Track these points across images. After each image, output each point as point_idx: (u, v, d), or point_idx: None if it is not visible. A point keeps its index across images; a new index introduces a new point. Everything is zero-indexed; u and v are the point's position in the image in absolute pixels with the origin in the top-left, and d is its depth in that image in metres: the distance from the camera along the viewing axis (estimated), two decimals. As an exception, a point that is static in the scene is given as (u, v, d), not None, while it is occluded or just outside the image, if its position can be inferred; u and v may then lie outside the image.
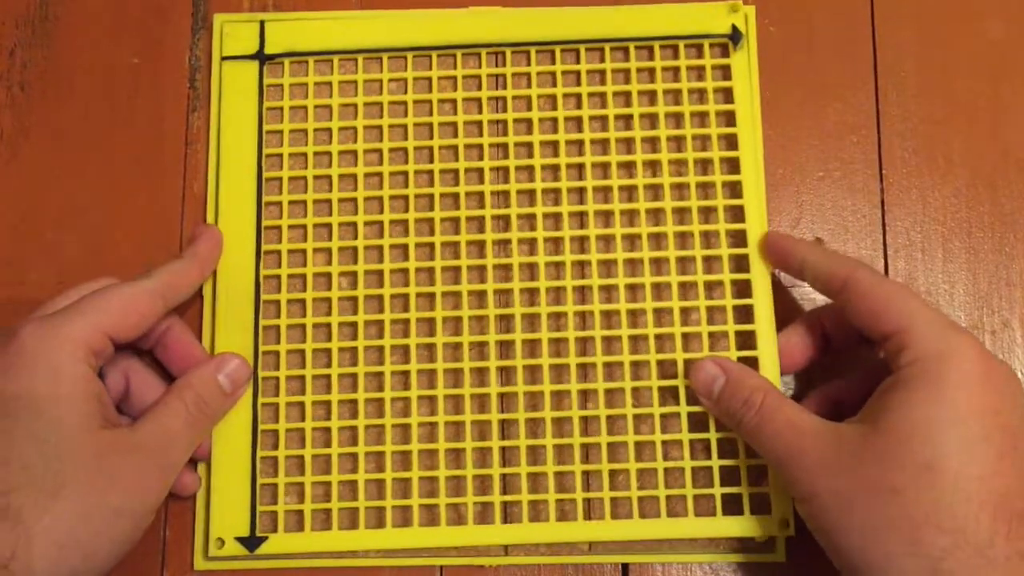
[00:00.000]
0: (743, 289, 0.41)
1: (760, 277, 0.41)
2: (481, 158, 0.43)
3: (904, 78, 0.44)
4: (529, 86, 0.43)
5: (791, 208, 0.43)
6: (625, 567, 0.39)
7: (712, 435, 0.40)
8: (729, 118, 0.43)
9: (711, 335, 0.41)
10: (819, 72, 0.44)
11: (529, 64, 0.44)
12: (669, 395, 0.40)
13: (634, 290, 0.41)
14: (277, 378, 0.41)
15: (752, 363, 0.40)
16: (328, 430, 0.40)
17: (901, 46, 0.44)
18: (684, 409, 0.40)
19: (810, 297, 0.42)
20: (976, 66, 0.44)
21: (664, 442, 0.40)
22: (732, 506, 0.39)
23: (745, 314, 0.41)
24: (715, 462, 0.39)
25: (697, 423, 0.40)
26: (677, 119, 0.43)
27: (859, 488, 0.33)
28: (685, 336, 0.41)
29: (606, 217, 0.42)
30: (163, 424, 0.36)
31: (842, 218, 0.43)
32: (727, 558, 0.39)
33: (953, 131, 0.43)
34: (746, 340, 0.40)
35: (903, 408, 0.33)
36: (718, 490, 0.39)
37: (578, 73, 0.44)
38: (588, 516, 0.39)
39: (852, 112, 0.44)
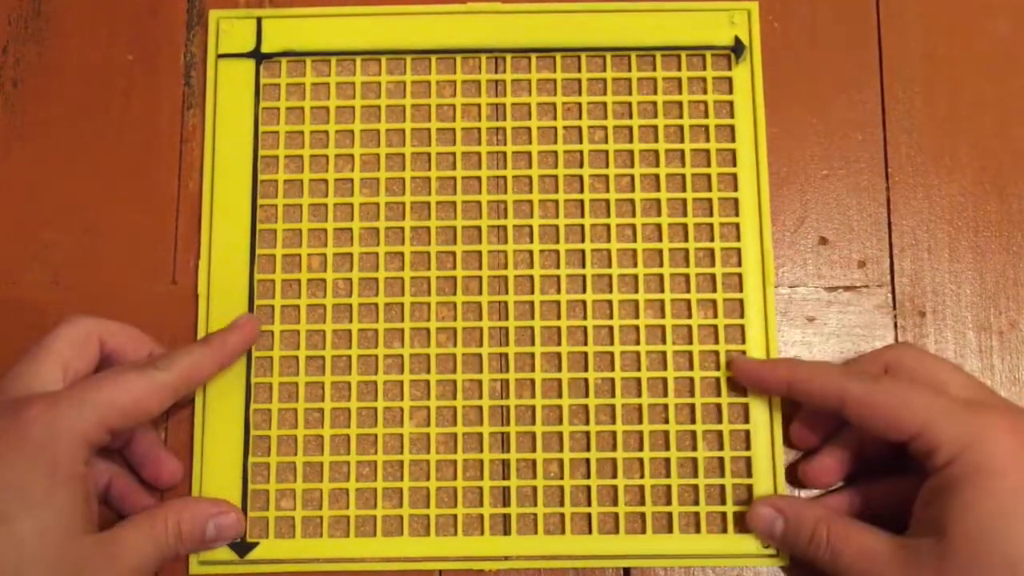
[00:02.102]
0: (736, 309, 0.41)
1: (753, 297, 0.41)
2: (479, 167, 0.43)
3: (910, 75, 0.43)
4: (529, 93, 0.43)
5: (795, 207, 0.43)
6: (627, 571, 0.40)
7: (700, 454, 0.40)
8: (729, 133, 0.42)
9: (702, 353, 0.41)
10: (824, 69, 0.44)
11: (529, 71, 0.43)
12: (658, 413, 0.41)
13: (628, 306, 0.41)
14: (270, 384, 0.41)
15: (740, 386, 0.40)
16: (320, 437, 0.41)
17: (907, 43, 0.44)
18: (673, 428, 0.40)
19: (808, 313, 0.42)
20: (983, 63, 0.44)
21: (652, 459, 0.40)
22: (716, 524, 0.40)
23: (738, 334, 0.41)
24: (701, 480, 0.40)
25: (684, 441, 0.40)
26: (678, 132, 0.43)
27: None
28: (676, 354, 0.41)
29: (603, 231, 0.42)
30: (138, 544, 0.35)
31: (847, 217, 0.43)
32: (730, 562, 0.40)
33: (960, 129, 0.43)
34: (737, 360, 0.41)
35: (964, 513, 0.32)
36: (703, 508, 0.40)
37: (579, 81, 0.43)
38: (576, 530, 0.40)
39: (857, 109, 0.43)
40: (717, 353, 0.41)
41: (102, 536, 0.35)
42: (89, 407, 0.34)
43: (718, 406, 0.40)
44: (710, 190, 0.42)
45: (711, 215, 0.42)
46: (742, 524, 0.39)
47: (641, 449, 0.40)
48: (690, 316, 0.41)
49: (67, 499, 0.33)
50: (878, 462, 0.39)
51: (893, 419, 0.35)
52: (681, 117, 0.43)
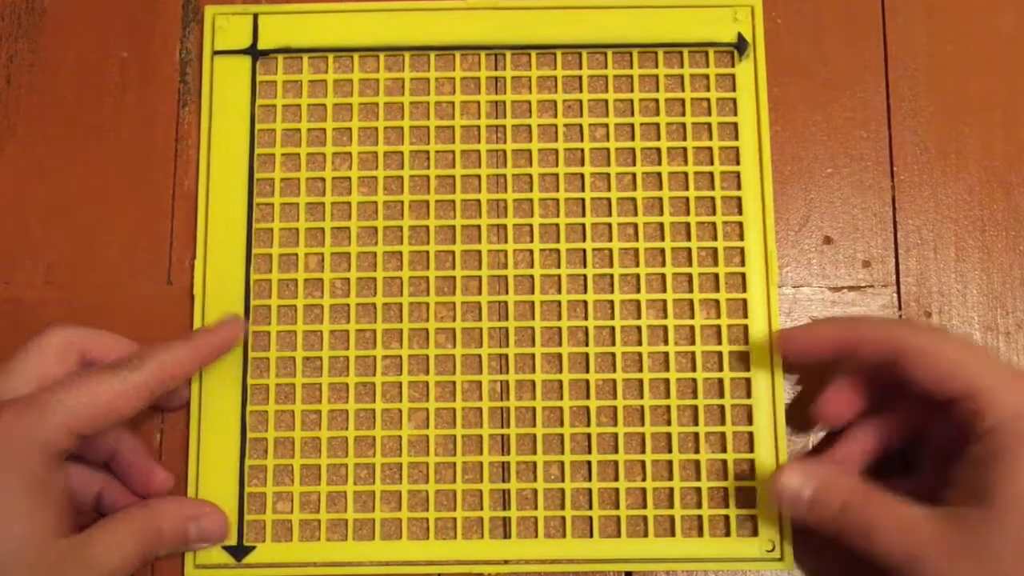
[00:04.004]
0: (739, 309, 0.41)
1: (756, 297, 0.40)
2: (478, 165, 0.42)
3: (916, 72, 0.43)
4: (529, 90, 0.43)
5: (799, 206, 0.42)
6: (628, 575, 0.39)
7: (703, 456, 0.40)
8: (732, 130, 0.42)
9: (705, 354, 0.40)
10: (828, 65, 0.43)
11: (529, 67, 0.43)
12: (660, 415, 0.40)
13: (630, 306, 0.41)
14: (266, 386, 0.40)
15: (745, 384, 0.40)
16: (317, 439, 0.40)
17: (912, 39, 0.43)
18: (675, 430, 0.40)
19: (812, 314, 0.41)
20: (989, 60, 0.43)
21: (654, 461, 0.40)
22: (719, 528, 0.39)
23: (741, 335, 0.40)
24: (704, 483, 0.39)
25: (686, 443, 0.40)
26: (680, 129, 0.42)
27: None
28: (678, 355, 0.40)
29: (604, 230, 0.41)
30: (115, 545, 0.35)
31: (852, 216, 0.42)
32: (733, 566, 0.39)
33: (966, 126, 0.43)
34: (740, 361, 0.40)
35: (1012, 482, 0.32)
36: (706, 511, 0.39)
37: (579, 78, 0.43)
38: (576, 533, 0.39)
39: (862, 107, 0.43)
40: (720, 354, 0.40)
41: (76, 539, 0.34)
42: (54, 412, 0.33)
43: (721, 408, 0.40)
44: (713, 188, 0.41)
45: (714, 214, 0.41)
46: (745, 527, 0.39)
47: (643, 451, 0.40)
48: (692, 316, 0.41)
49: (34, 505, 0.32)
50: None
51: (948, 375, 0.34)
52: (683, 115, 0.42)
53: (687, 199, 0.42)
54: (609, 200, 0.42)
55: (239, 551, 0.39)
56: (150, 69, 0.43)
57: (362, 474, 0.40)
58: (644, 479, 0.40)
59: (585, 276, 0.41)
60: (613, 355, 0.40)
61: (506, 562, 0.39)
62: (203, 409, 0.40)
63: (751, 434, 0.40)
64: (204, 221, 0.41)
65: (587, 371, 0.40)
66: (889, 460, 0.37)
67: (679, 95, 0.42)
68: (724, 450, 0.40)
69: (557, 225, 0.41)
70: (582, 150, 0.42)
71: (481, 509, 0.39)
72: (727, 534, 0.39)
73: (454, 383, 0.40)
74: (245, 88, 0.42)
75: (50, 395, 0.33)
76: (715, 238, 0.41)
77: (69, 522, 0.34)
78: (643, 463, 0.40)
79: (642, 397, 0.40)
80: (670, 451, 0.40)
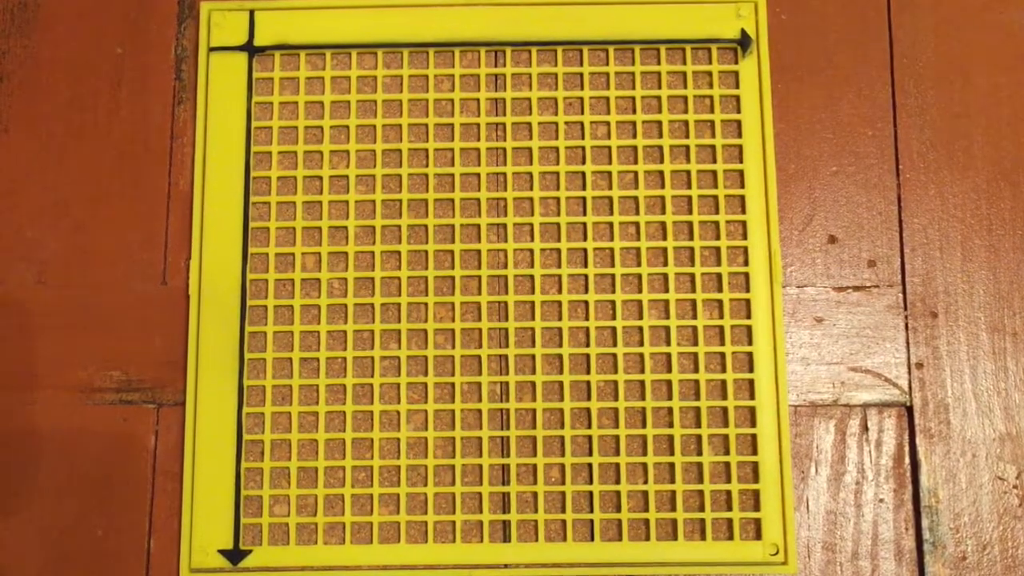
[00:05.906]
0: (743, 309, 0.40)
1: (760, 297, 0.40)
2: (478, 163, 0.41)
3: (922, 69, 0.42)
4: (529, 88, 0.42)
5: (804, 205, 0.42)
6: None
7: (705, 459, 0.39)
8: (736, 128, 0.41)
9: (708, 355, 0.40)
10: (833, 62, 0.43)
11: (530, 64, 0.42)
12: (662, 416, 0.40)
13: (631, 307, 0.40)
14: (263, 387, 0.40)
15: (748, 386, 0.39)
16: (315, 442, 0.39)
17: (919, 36, 0.43)
18: (677, 432, 0.39)
19: (816, 314, 0.41)
20: (996, 57, 0.42)
21: (656, 464, 0.39)
22: (722, 531, 0.39)
23: (744, 335, 0.40)
24: (707, 486, 0.39)
25: (689, 445, 0.39)
26: (682, 127, 0.42)
27: None
28: (681, 356, 0.40)
29: (606, 229, 0.41)
30: None
31: (857, 215, 0.42)
32: (737, 570, 0.39)
33: (973, 124, 0.42)
34: (744, 362, 0.40)
35: None
36: (709, 514, 0.39)
37: (580, 75, 0.42)
38: (577, 537, 0.39)
39: (867, 104, 0.42)
40: (723, 355, 0.40)
41: None
42: None
43: (724, 410, 0.39)
44: (716, 187, 0.41)
45: (717, 213, 0.41)
46: (748, 531, 0.38)
47: (645, 454, 0.39)
48: (695, 317, 0.40)
49: None
50: None
51: None
52: (686, 112, 0.42)
53: (689, 198, 0.41)
54: (611, 199, 0.41)
55: (235, 555, 0.38)
56: (145, 66, 0.42)
57: (360, 476, 0.39)
58: (646, 482, 0.39)
59: (586, 276, 0.40)
60: (614, 356, 0.40)
61: (506, 566, 0.39)
62: (199, 411, 0.39)
63: (755, 436, 0.39)
64: (199, 220, 0.41)
65: (588, 372, 0.40)
66: None
67: (681, 92, 0.42)
68: (727, 453, 0.39)
69: (558, 224, 0.41)
70: (583, 148, 0.41)
71: (480, 512, 0.39)
72: (730, 537, 0.39)
73: (453, 384, 0.40)
74: (241, 85, 0.42)
75: None
76: (718, 237, 0.41)
77: None
78: (645, 465, 0.39)
79: (644, 399, 0.39)
80: (672, 453, 0.39)
